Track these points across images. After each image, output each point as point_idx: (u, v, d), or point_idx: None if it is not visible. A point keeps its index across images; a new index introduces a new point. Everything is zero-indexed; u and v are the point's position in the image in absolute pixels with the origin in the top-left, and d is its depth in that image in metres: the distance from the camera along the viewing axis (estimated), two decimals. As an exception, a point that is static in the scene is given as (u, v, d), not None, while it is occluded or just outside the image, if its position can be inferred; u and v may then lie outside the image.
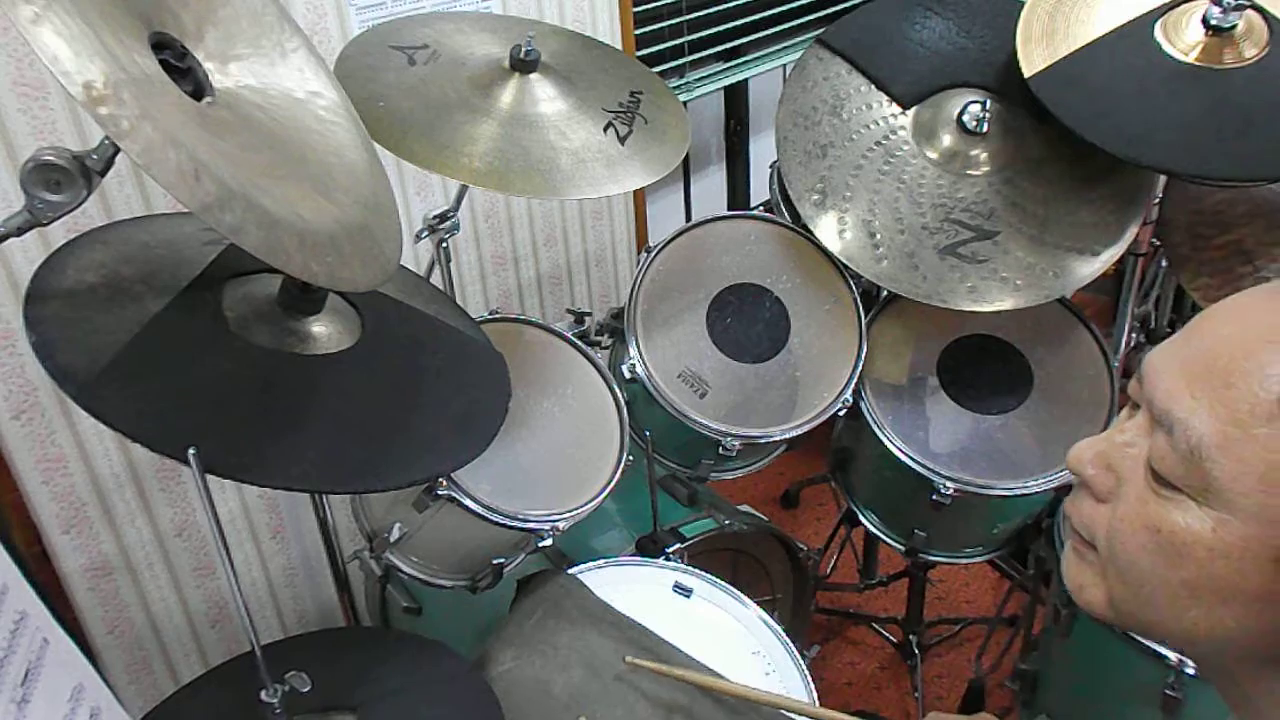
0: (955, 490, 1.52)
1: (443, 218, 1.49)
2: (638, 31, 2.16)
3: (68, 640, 0.77)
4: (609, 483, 1.42)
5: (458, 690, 1.18)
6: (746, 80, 2.59)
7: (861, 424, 1.61)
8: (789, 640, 1.28)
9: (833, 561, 2.21)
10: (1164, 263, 1.68)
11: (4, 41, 1.32)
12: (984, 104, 1.52)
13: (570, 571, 1.35)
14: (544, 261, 2.15)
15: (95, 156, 0.79)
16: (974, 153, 1.55)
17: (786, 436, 1.54)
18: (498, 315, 1.49)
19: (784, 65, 2.57)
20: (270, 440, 0.94)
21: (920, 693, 2.00)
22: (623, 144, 1.36)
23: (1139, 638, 1.29)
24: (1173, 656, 1.28)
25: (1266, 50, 1.39)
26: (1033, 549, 1.64)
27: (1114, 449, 0.61)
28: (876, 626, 2.18)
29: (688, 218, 2.68)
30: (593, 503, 1.39)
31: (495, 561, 1.41)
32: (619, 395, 1.49)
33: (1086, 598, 0.63)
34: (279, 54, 1.00)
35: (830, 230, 1.53)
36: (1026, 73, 1.45)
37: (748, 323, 1.57)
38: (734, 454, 1.52)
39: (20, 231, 0.80)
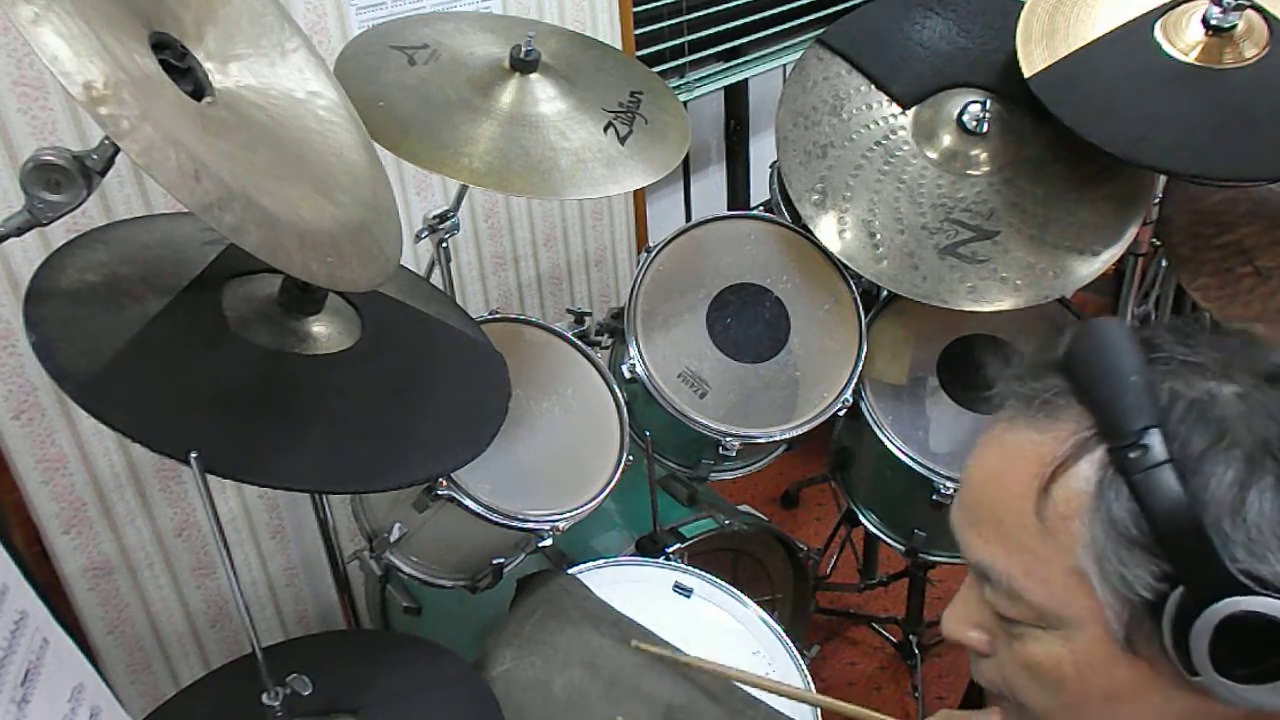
0: (955, 490, 1.52)
1: (443, 218, 1.49)
2: (638, 31, 2.16)
3: (68, 640, 0.77)
4: (609, 483, 1.42)
5: (458, 692, 1.18)
6: (746, 80, 2.58)
7: (861, 424, 1.61)
8: (789, 640, 1.28)
9: (833, 561, 2.21)
10: (1164, 263, 1.68)
11: (4, 41, 1.32)
12: (984, 104, 1.52)
13: (570, 571, 1.35)
14: (544, 261, 2.14)
15: (95, 156, 0.79)
16: (974, 153, 1.55)
17: (786, 436, 1.54)
18: (498, 315, 1.49)
19: (784, 65, 2.57)
20: (270, 440, 0.94)
21: (920, 692, 2.00)
22: (623, 144, 1.36)
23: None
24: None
25: (1266, 50, 1.39)
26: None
27: (970, 607, 0.65)
28: (876, 626, 2.17)
29: (688, 218, 2.68)
30: (593, 503, 1.39)
31: (495, 561, 1.41)
32: (619, 395, 1.49)
33: None
34: (279, 54, 1.00)
35: (830, 230, 1.53)
36: (1026, 73, 1.45)
37: (748, 323, 1.57)
38: (734, 454, 1.52)
39: (20, 231, 0.80)
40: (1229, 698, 0.54)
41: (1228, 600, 0.52)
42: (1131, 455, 0.53)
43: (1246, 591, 0.51)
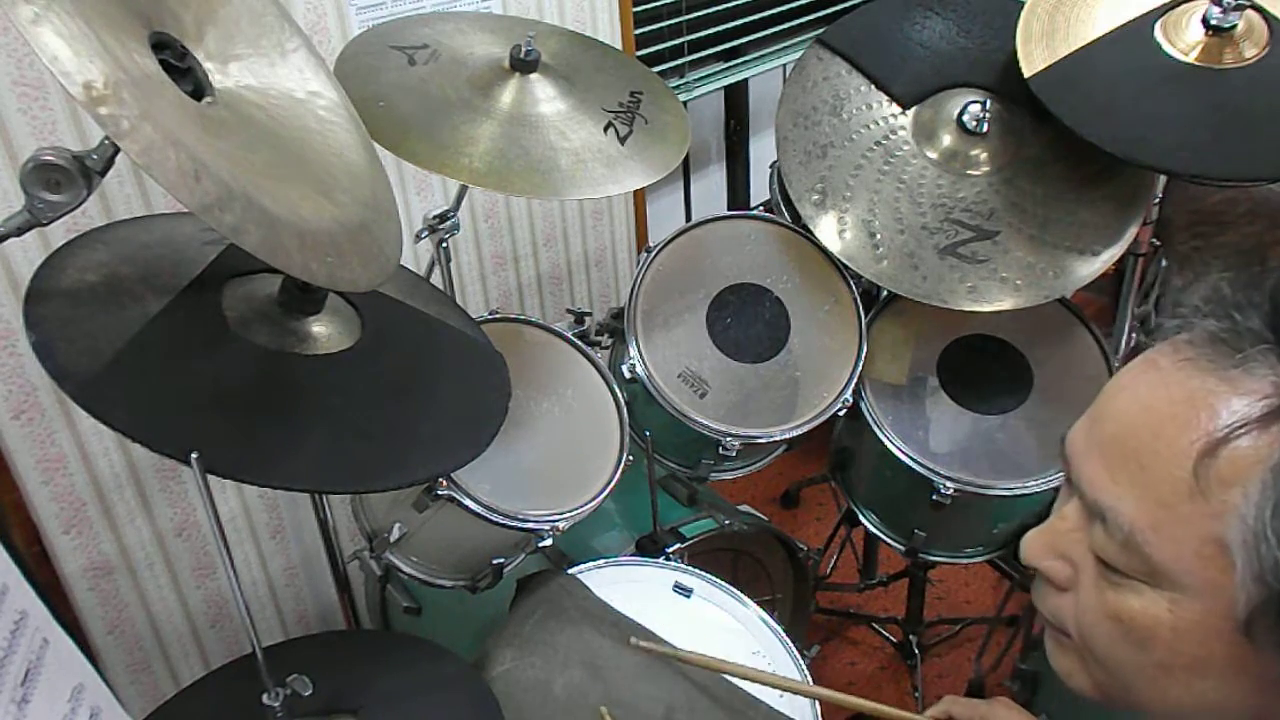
0: (955, 490, 1.52)
1: (443, 218, 1.49)
2: (638, 31, 2.16)
3: (68, 640, 0.77)
4: (609, 483, 1.42)
5: (458, 691, 1.18)
6: (746, 80, 2.58)
7: (861, 424, 1.61)
8: (789, 640, 1.28)
9: (833, 561, 2.21)
10: (1164, 263, 1.68)
11: (4, 41, 1.32)
12: (984, 104, 1.52)
13: (570, 571, 1.35)
14: (544, 261, 2.14)
15: (95, 156, 0.79)
16: (974, 153, 1.55)
17: (786, 436, 1.54)
18: (498, 315, 1.49)
19: (784, 65, 2.57)
20: (270, 440, 0.94)
21: (920, 693, 2.00)
22: (623, 144, 1.36)
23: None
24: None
25: (1266, 50, 1.39)
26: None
27: (1061, 536, 0.60)
28: (876, 626, 2.18)
29: (688, 218, 2.68)
30: (593, 503, 1.39)
31: (495, 561, 1.41)
32: (619, 395, 1.49)
33: (1075, 684, 0.63)
34: (279, 54, 1.00)
35: (830, 230, 1.53)
36: (1026, 73, 1.45)
37: (748, 323, 1.57)
38: (734, 454, 1.52)
39: (20, 231, 0.80)
40: None
41: None
42: None
43: None
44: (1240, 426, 0.50)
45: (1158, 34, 1.43)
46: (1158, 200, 1.57)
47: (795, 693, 1.16)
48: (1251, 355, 0.51)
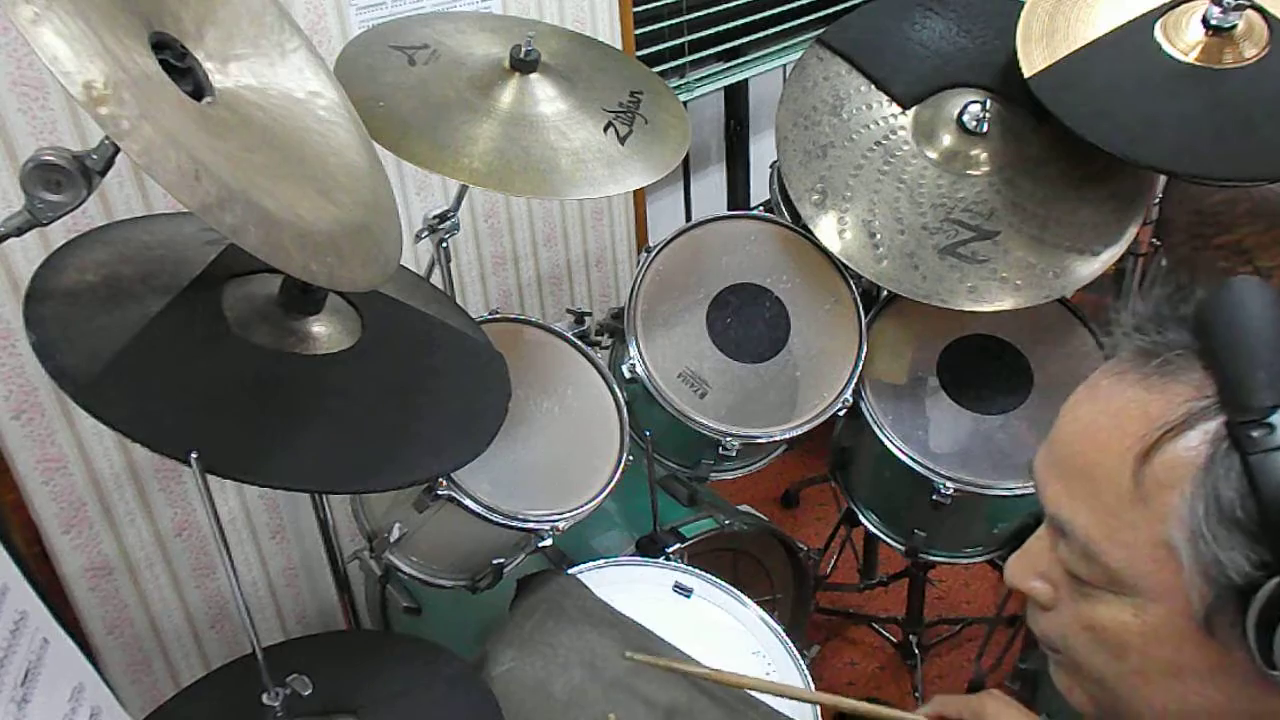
0: (955, 490, 1.52)
1: (443, 218, 1.49)
2: (638, 31, 2.16)
3: (68, 640, 0.77)
4: (609, 483, 1.42)
5: (458, 691, 1.18)
6: (746, 80, 2.58)
7: (861, 424, 1.61)
8: (789, 640, 1.28)
9: (833, 561, 2.21)
10: (1164, 263, 1.68)
11: (4, 41, 1.32)
12: (984, 104, 1.52)
13: (570, 571, 1.35)
14: (544, 261, 2.14)
15: (95, 156, 0.79)
16: (974, 153, 1.55)
17: (786, 436, 1.54)
18: (498, 315, 1.49)
19: (784, 65, 2.57)
20: (270, 440, 0.94)
21: (920, 693, 2.00)
22: (623, 144, 1.36)
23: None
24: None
25: (1266, 50, 1.38)
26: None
27: (1037, 557, 0.62)
28: (876, 626, 2.17)
29: (688, 218, 2.68)
30: (593, 503, 1.39)
31: (495, 561, 1.41)
32: (619, 395, 1.49)
33: (1074, 700, 0.65)
34: (279, 54, 1.00)
35: (830, 230, 1.53)
36: (1026, 73, 1.45)
37: (748, 323, 1.57)
38: (734, 454, 1.52)
39: (20, 231, 0.80)
40: None
41: None
42: (1253, 433, 0.50)
43: None
44: (1168, 430, 0.53)
45: (1158, 34, 1.42)
46: (1158, 200, 1.57)
47: (786, 696, 1.16)
48: (1173, 360, 0.54)
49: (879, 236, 1.51)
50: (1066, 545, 0.59)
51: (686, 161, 2.33)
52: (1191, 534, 0.52)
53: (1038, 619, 0.64)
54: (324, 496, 1.45)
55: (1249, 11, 1.39)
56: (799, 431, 1.53)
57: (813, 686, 1.24)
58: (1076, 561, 0.58)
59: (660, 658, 1.19)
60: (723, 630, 1.30)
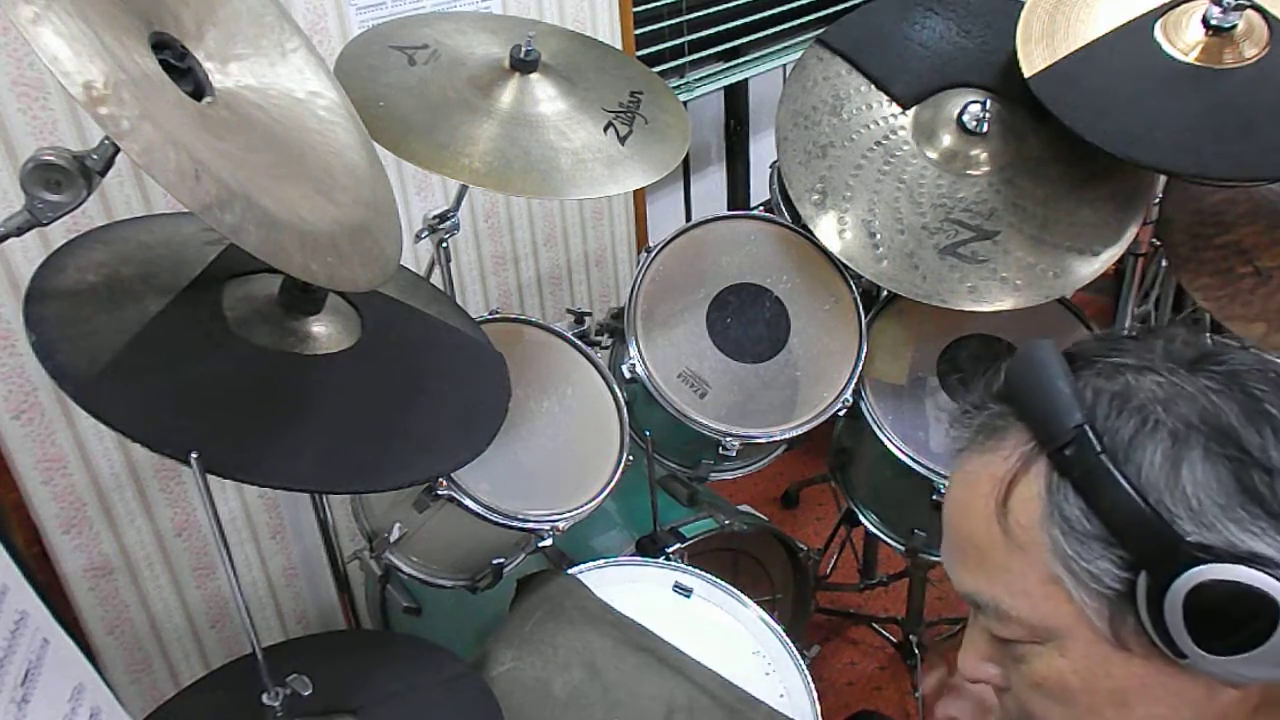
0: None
1: (443, 218, 1.49)
2: (638, 31, 2.16)
3: (68, 640, 0.77)
4: (609, 483, 1.42)
5: (458, 691, 1.18)
6: (746, 80, 2.58)
7: (861, 424, 1.61)
8: (789, 640, 1.28)
9: (833, 561, 2.21)
10: (1164, 263, 1.68)
11: (4, 41, 1.32)
12: (984, 104, 1.52)
13: (570, 571, 1.35)
14: (544, 261, 2.14)
15: (95, 156, 0.79)
16: (974, 153, 1.55)
17: (786, 436, 1.54)
18: (498, 315, 1.49)
19: (784, 65, 2.57)
20: (270, 440, 0.94)
21: (920, 693, 2.00)
22: (623, 144, 1.36)
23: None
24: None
25: (1266, 50, 1.38)
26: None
27: (977, 642, 0.66)
28: (876, 626, 2.17)
29: (688, 218, 2.68)
30: (593, 503, 1.39)
31: (495, 561, 1.41)
32: (619, 395, 1.49)
33: None
34: (279, 54, 1.00)
35: (830, 230, 1.53)
36: (1026, 73, 1.45)
37: (748, 323, 1.57)
38: (734, 454, 1.52)
39: (20, 231, 0.80)
40: (1225, 675, 0.55)
41: (1188, 574, 0.53)
42: (1068, 454, 0.56)
43: (1203, 562, 0.53)
44: (1011, 479, 0.59)
45: (1158, 34, 1.42)
46: (1158, 200, 1.57)
47: None
48: (997, 426, 0.62)
49: (879, 236, 1.51)
50: (984, 616, 0.63)
51: (686, 161, 2.33)
52: (1064, 561, 0.57)
53: (1003, 704, 0.67)
54: (324, 496, 1.45)
55: (1249, 11, 1.39)
56: (799, 431, 1.53)
57: (812, 687, 1.24)
58: (996, 625, 0.62)
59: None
60: (723, 630, 1.30)
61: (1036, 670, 0.61)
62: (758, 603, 1.32)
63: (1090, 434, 0.56)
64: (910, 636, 2.05)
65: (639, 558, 1.44)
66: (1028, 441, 0.59)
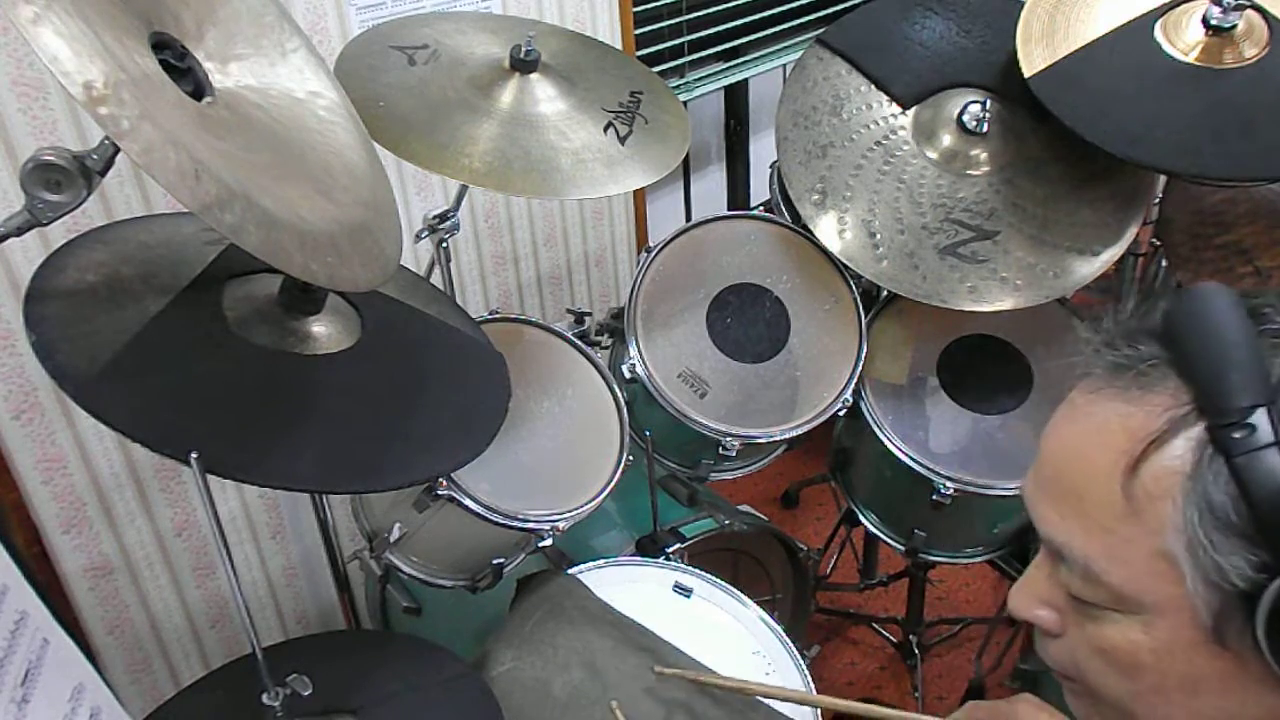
0: (955, 490, 1.52)
1: (443, 218, 1.49)
2: (638, 31, 2.16)
3: (68, 640, 0.77)
4: (609, 483, 1.42)
5: (458, 691, 1.18)
6: (746, 80, 2.58)
7: (861, 424, 1.61)
8: (789, 640, 1.28)
9: (833, 561, 2.21)
10: (1164, 263, 1.68)
11: (4, 41, 1.32)
12: (984, 104, 1.52)
13: (570, 571, 1.35)
14: (544, 261, 2.14)
15: (95, 156, 0.79)
16: (974, 153, 1.55)
17: (786, 436, 1.54)
18: (498, 315, 1.49)
19: (784, 65, 2.57)
20: (270, 440, 0.94)
21: (920, 693, 2.00)
22: (623, 144, 1.36)
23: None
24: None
25: (1266, 50, 1.39)
26: (1033, 549, 1.64)
27: (1041, 585, 0.62)
28: (876, 626, 2.17)
29: (688, 218, 2.68)
30: (593, 503, 1.39)
31: (495, 561, 1.41)
32: (619, 395, 1.49)
33: None
34: (279, 54, 1.00)
35: (830, 230, 1.53)
36: (1026, 73, 1.45)
37: (748, 323, 1.57)
38: (734, 454, 1.52)
39: (20, 231, 0.80)
40: None
41: None
42: (1235, 435, 0.49)
43: None
44: (1152, 441, 0.53)
45: (1158, 34, 1.42)
46: (1158, 200, 1.57)
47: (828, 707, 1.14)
48: (1147, 372, 0.54)
49: (879, 236, 1.51)
50: (1066, 569, 0.58)
51: (686, 161, 2.33)
52: (1189, 542, 0.51)
53: (1047, 647, 0.63)
54: (324, 496, 1.45)
55: (1249, 11, 1.39)
56: (799, 431, 1.53)
57: (813, 687, 1.24)
58: (1079, 584, 0.57)
59: (666, 666, 1.18)
60: (723, 630, 1.30)
61: (1108, 636, 0.57)
62: (758, 603, 1.32)
63: (1268, 419, 0.49)
64: (910, 636, 2.05)
65: (639, 558, 1.44)
66: (1185, 405, 0.52)
